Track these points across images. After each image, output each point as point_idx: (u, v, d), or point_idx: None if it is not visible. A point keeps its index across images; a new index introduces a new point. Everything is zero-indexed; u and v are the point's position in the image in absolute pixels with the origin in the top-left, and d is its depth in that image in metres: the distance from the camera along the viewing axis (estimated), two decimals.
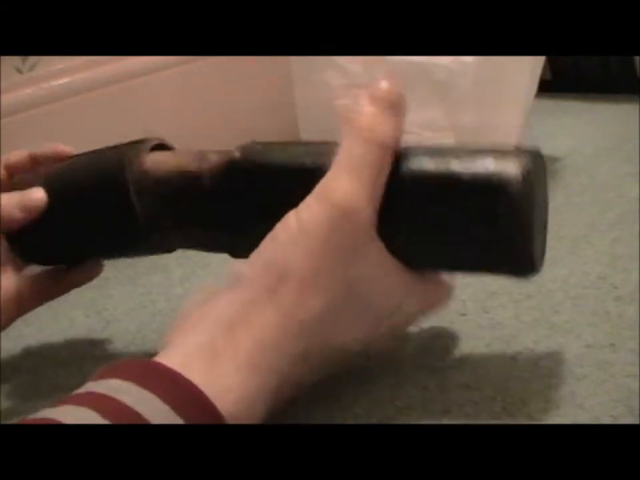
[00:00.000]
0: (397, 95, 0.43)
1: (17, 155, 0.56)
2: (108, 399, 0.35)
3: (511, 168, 0.41)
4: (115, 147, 0.52)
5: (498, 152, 0.42)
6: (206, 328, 0.40)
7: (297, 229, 0.42)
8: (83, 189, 0.51)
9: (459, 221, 0.42)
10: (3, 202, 0.51)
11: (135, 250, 0.52)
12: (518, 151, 0.42)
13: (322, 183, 0.42)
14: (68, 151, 0.55)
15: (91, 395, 0.36)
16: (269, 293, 0.41)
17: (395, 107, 0.43)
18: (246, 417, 0.38)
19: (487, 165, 0.41)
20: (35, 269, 0.55)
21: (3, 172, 0.56)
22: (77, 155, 0.54)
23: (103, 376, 0.37)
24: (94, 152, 0.53)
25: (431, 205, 0.42)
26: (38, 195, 0.51)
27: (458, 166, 0.42)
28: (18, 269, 0.54)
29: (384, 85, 0.44)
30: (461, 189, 0.41)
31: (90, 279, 0.56)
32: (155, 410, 0.34)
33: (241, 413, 0.38)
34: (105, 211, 0.50)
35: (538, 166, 0.42)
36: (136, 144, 0.51)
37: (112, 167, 0.49)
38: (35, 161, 0.56)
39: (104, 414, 0.34)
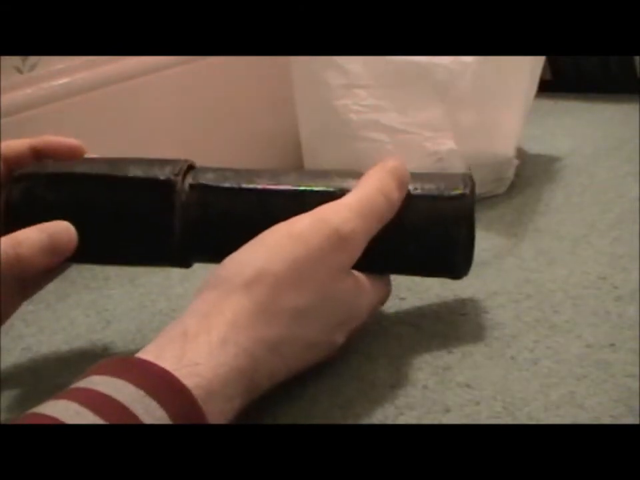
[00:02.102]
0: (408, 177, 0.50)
1: (17, 146, 0.52)
2: (86, 390, 0.36)
3: (459, 185, 0.49)
4: (149, 165, 0.51)
5: (443, 175, 0.52)
6: (180, 321, 0.42)
7: (287, 235, 0.44)
8: (120, 209, 0.50)
9: (416, 230, 0.49)
10: (26, 245, 0.45)
11: (164, 263, 0.53)
12: (460, 175, 0.51)
13: (325, 206, 0.46)
14: (76, 144, 0.53)
15: (69, 390, 0.37)
16: (245, 286, 0.42)
17: (405, 185, 0.49)
18: (221, 397, 0.39)
19: (438, 185, 0.49)
20: None
21: (3, 165, 0.52)
22: (91, 161, 0.53)
23: (82, 377, 0.38)
24: (117, 165, 0.51)
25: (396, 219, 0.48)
26: (70, 235, 0.47)
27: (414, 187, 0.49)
28: None
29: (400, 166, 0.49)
30: (419, 204, 0.49)
31: None
32: (130, 395, 0.35)
33: (214, 393, 0.38)
34: (144, 231, 0.50)
35: (474, 186, 0.50)
36: (174, 166, 0.50)
37: (158, 194, 0.50)
38: (37, 155, 0.53)
39: (83, 403, 0.35)
